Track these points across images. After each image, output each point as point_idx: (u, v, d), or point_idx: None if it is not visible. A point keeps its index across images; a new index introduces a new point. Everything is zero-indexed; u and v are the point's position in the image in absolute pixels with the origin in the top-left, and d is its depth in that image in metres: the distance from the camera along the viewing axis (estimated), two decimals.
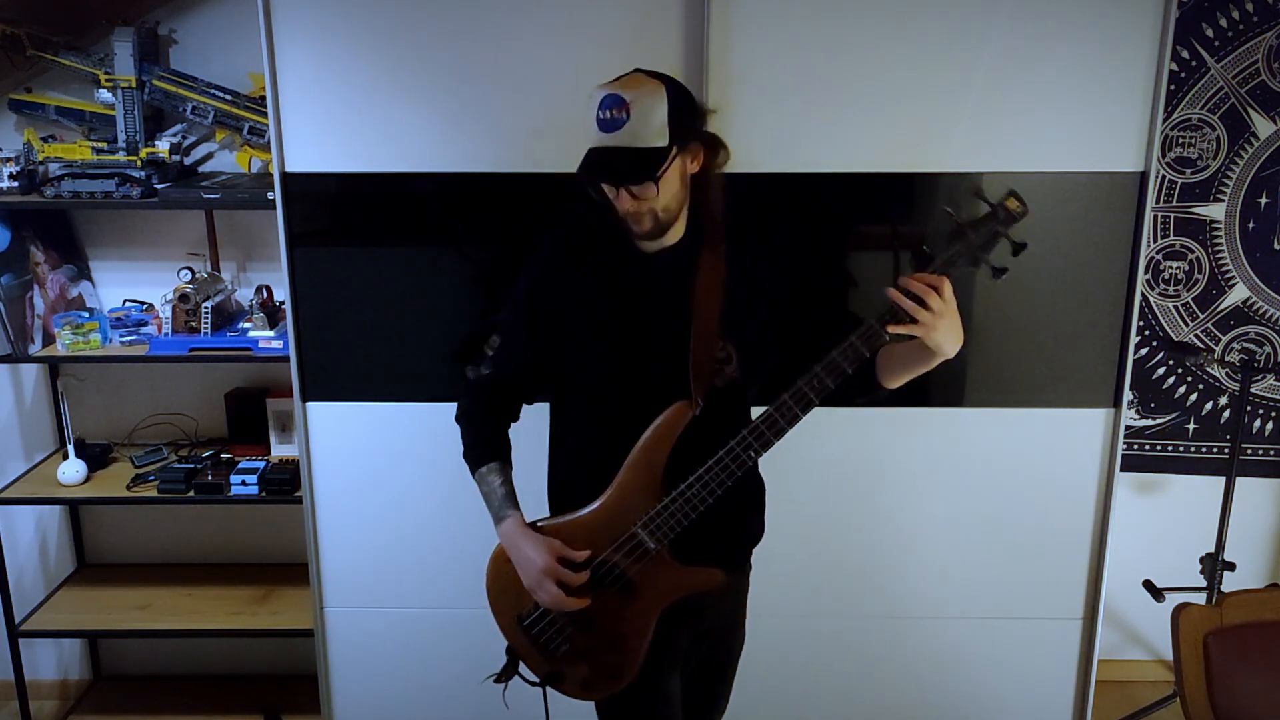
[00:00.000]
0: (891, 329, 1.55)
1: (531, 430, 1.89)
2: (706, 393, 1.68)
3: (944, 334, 1.54)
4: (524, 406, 1.88)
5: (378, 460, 2.47)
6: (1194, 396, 2.86)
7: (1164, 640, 3.06)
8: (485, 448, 1.81)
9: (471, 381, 1.86)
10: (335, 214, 2.35)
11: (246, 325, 2.61)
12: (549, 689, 1.84)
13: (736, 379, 1.73)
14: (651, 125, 1.57)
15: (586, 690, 1.82)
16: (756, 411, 1.68)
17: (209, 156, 2.75)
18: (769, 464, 1.94)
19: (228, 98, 2.56)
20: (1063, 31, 2.20)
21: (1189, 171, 2.70)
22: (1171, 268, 2.77)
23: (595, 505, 1.72)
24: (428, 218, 2.34)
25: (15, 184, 2.52)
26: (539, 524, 1.78)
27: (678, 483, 1.66)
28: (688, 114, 1.64)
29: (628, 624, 1.75)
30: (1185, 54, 2.61)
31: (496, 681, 1.88)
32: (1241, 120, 2.65)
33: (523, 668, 1.87)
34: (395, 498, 2.49)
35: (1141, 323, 2.78)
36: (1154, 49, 2.21)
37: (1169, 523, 2.97)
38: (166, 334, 2.60)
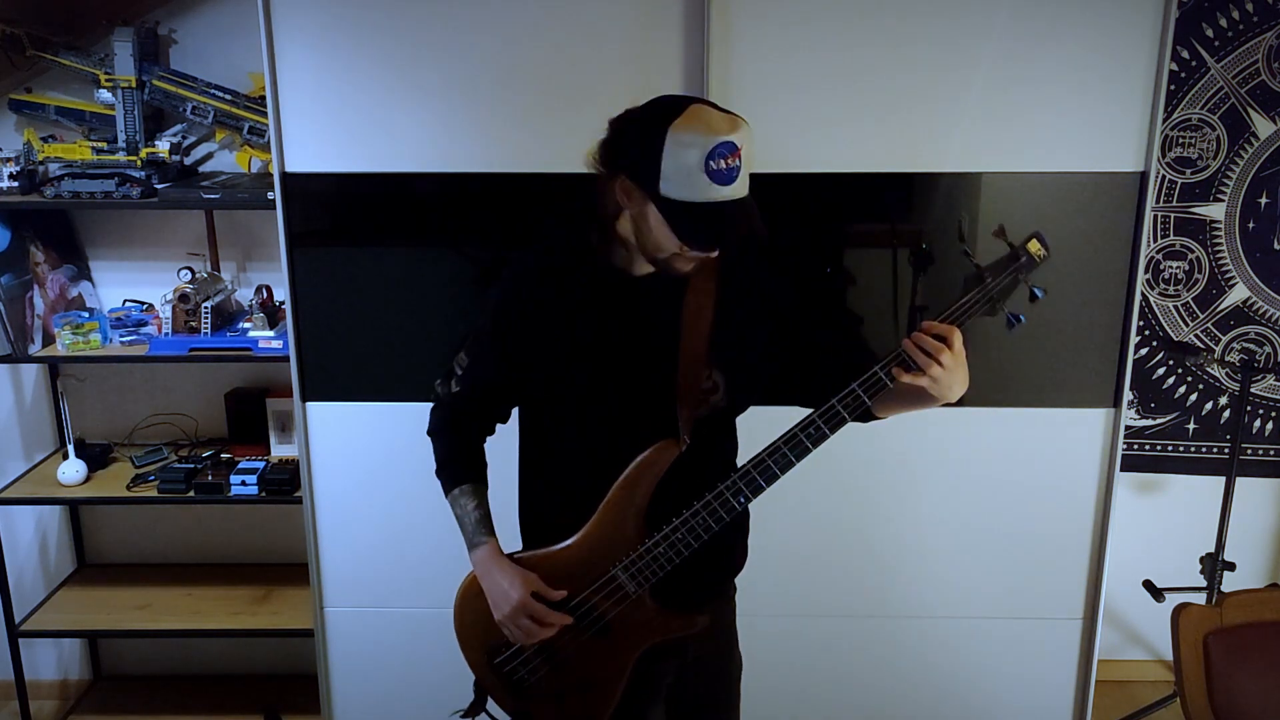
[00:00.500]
0: (902, 377, 1.46)
1: (506, 452, 1.76)
2: (693, 427, 1.56)
3: (952, 384, 1.46)
4: (499, 426, 1.77)
5: (378, 460, 2.47)
6: (1194, 396, 2.86)
7: (1164, 640, 3.07)
8: (458, 466, 1.69)
9: (440, 397, 1.72)
10: (335, 214, 2.35)
11: (246, 325, 2.61)
12: None
13: (722, 409, 1.62)
14: (748, 168, 1.40)
15: None
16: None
17: (209, 156, 2.75)
18: None
19: (228, 98, 2.56)
20: (1063, 32, 2.20)
21: (1189, 171, 2.70)
22: (1171, 268, 2.77)
23: (572, 541, 1.61)
24: (428, 218, 2.34)
25: (15, 184, 2.52)
26: (514, 556, 1.67)
27: (660, 521, 1.56)
28: None
29: (604, 667, 1.65)
30: (1185, 54, 2.61)
31: (464, 717, 1.78)
32: (1241, 120, 2.65)
33: (492, 705, 1.77)
34: (395, 498, 2.49)
35: (1141, 323, 2.78)
36: (1154, 49, 2.21)
37: (1169, 523, 2.97)
38: (166, 334, 2.60)
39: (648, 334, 1.57)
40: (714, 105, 1.43)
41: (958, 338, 1.44)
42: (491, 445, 1.75)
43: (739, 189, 1.40)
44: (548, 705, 1.70)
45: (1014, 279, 1.48)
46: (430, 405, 1.76)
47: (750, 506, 1.72)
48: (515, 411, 1.72)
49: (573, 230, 1.60)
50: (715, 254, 1.49)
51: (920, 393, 1.48)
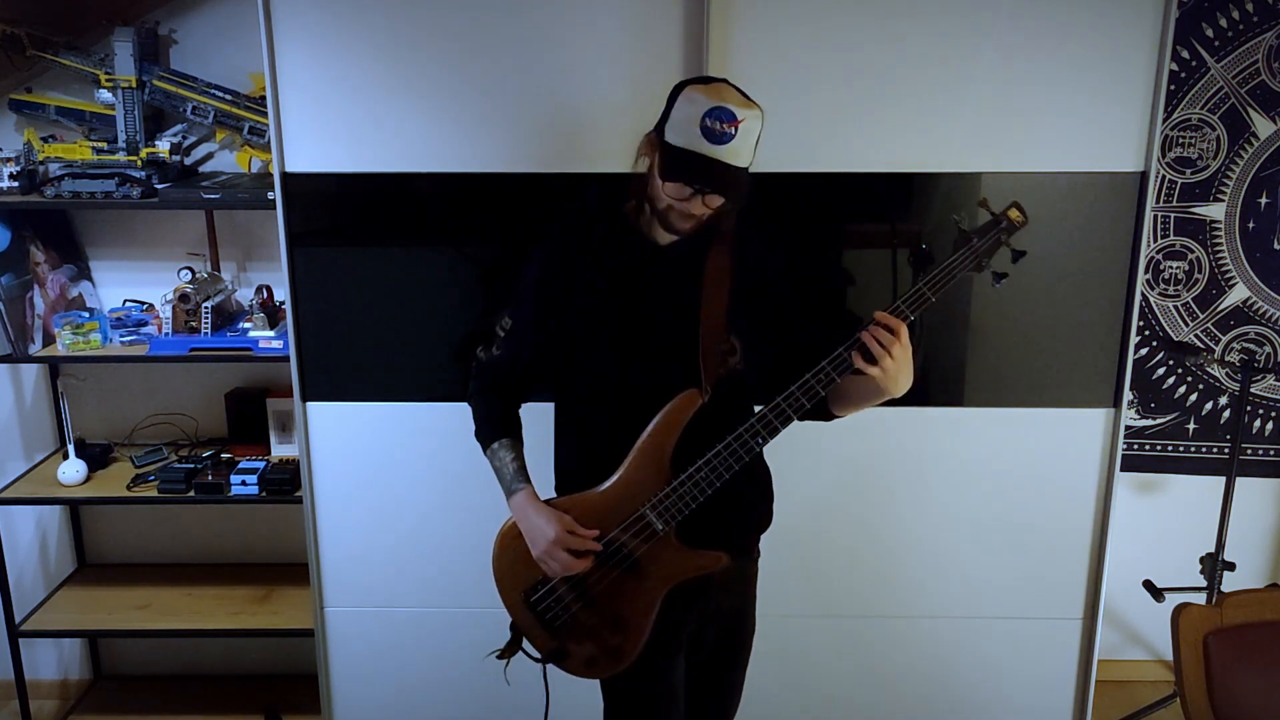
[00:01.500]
0: (857, 362, 1.63)
1: (541, 421, 1.91)
2: (715, 382, 1.72)
3: (898, 376, 1.63)
4: (532, 400, 1.91)
5: (378, 460, 2.47)
6: (1194, 396, 2.86)
7: (1164, 640, 3.07)
8: (496, 425, 1.84)
9: (483, 362, 1.87)
10: (335, 214, 2.35)
11: (246, 325, 2.61)
12: (550, 667, 1.87)
13: (740, 371, 1.76)
14: (747, 146, 1.59)
15: (589, 668, 1.85)
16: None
17: (209, 156, 2.75)
18: (770, 463, 1.95)
19: (228, 98, 2.56)
20: (1063, 31, 2.20)
21: (1189, 171, 2.70)
22: (1171, 268, 2.77)
23: (605, 486, 1.76)
24: (428, 218, 2.34)
25: (15, 184, 2.52)
26: (549, 502, 1.82)
27: (686, 467, 1.70)
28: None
29: (632, 604, 1.78)
30: (1185, 54, 2.61)
31: (500, 657, 1.89)
32: (1241, 120, 2.65)
33: (526, 644, 1.89)
34: (395, 498, 2.49)
35: (1141, 323, 2.78)
36: (1154, 49, 2.21)
37: (1169, 523, 2.97)
38: (166, 334, 2.60)
39: (672, 297, 1.73)
40: (739, 90, 1.61)
41: (904, 332, 1.61)
42: (525, 410, 1.90)
43: (727, 154, 1.56)
44: (580, 641, 1.82)
45: (996, 240, 1.67)
46: (472, 369, 1.89)
47: (764, 483, 1.91)
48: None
49: (609, 202, 1.77)
50: (698, 211, 1.62)
51: (872, 385, 1.64)
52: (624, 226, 1.75)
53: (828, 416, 1.81)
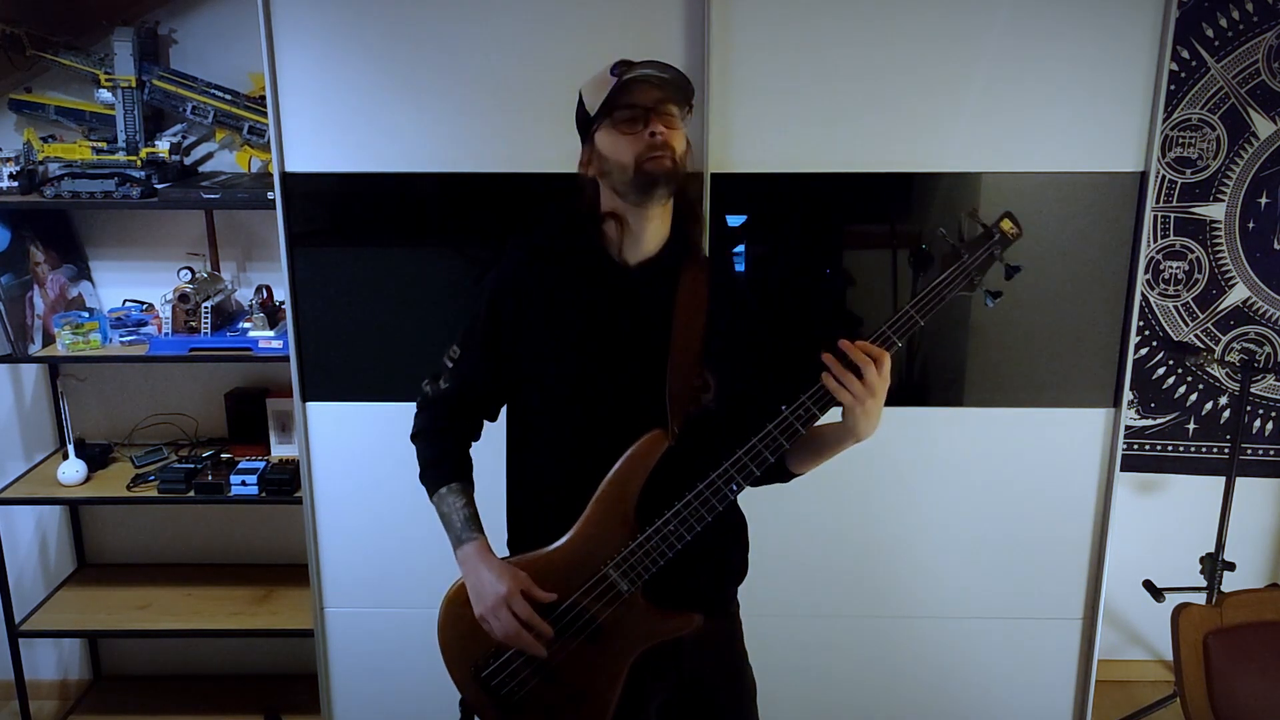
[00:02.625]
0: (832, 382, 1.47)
1: (491, 459, 1.75)
2: (683, 422, 1.56)
3: (872, 411, 1.49)
4: (485, 425, 1.74)
5: (378, 460, 2.47)
6: (1194, 396, 2.86)
7: (1164, 640, 3.07)
8: (443, 468, 1.66)
9: (428, 395, 1.70)
10: (335, 214, 2.35)
11: (246, 325, 2.61)
12: None
13: (712, 409, 1.59)
14: (674, 68, 1.53)
15: None
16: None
17: (209, 156, 2.75)
18: None
19: (228, 98, 2.56)
20: (1063, 31, 2.20)
21: (1189, 171, 2.70)
22: (1171, 268, 2.77)
23: (562, 541, 1.58)
24: (428, 218, 2.34)
25: (15, 184, 2.52)
26: (504, 560, 1.64)
27: (652, 519, 1.53)
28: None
29: (596, 675, 1.60)
30: (1185, 54, 2.61)
31: None
32: (1241, 120, 2.65)
33: None
34: (395, 498, 2.49)
35: (1141, 323, 2.78)
36: (1154, 49, 2.21)
37: (1169, 523, 2.97)
38: (166, 334, 2.60)
39: (639, 324, 1.58)
40: None
41: (886, 361, 1.46)
42: (476, 450, 1.72)
43: (655, 68, 1.50)
44: (538, 719, 1.64)
45: (989, 255, 1.52)
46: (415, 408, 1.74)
47: (750, 509, 1.74)
48: (503, 412, 1.71)
49: (570, 220, 1.63)
50: (666, 132, 1.52)
51: (831, 428, 1.53)
52: (590, 245, 1.61)
53: (786, 476, 1.66)
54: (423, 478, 1.69)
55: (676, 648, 1.62)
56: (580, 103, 1.59)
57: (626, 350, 1.58)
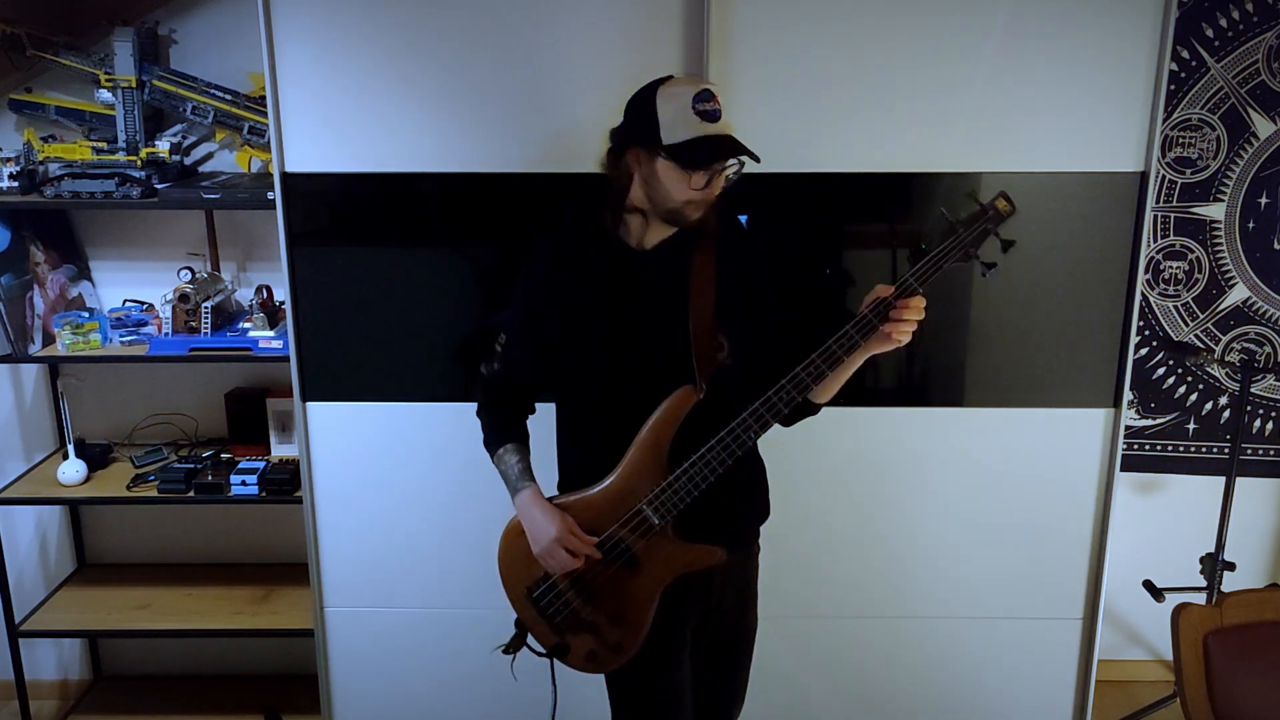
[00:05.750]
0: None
1: (543, 428, 1.94)
2: (708, 378, 1.76)
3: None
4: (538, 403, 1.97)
5: (378, 460, 2.47)
6: (1194, 396, 2.86)
7: (1164, 640, 3.07)
8: (501, 433, 1.91)
9: (484, 377, 1.95)
10: (335, 214, 2.35)
11: (246, 325, 2.61)
12: (555, 661, 1.90)
13: (729, 366, 1.80)
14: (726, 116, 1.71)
15: (590, 663, 1.89)
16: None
17: (209, 156, 2.75)
18: (770, 464, 1.95)
19: (228, 98, 2.56)
20: (1063, 31, 2.20)
21: (1189, 171, 2.70)
22: (1171, 268, 2.77)
23: (604, 484, 1.81)
24: (428, 218, 2.34)
25: (15, 184, 2.52)
26: (552, 500, 1.87)
27: (681, 463, 1.74)
28: None
29: (631, 598, 1.82)
30: (1185, 54, 2.61)
31: (505, 652, 1.92)
32: (1241, 120, 2.65)
33: (531, 639, 1.93)
34: (395, 498, 2.49)
35: (1141, 323, 2.78)
36: (1154, 49, 2.21)
37: (1169, 523, 2.97)
38: (166, 334, 2.60)
39: (659, 298, 1.78)
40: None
41: (920, 301, 1.68)
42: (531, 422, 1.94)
43: (725, 126, 1.69)
44: (582, 636, 1.87)
45: (984, 230, 1.66)
46: (477, 385, 1.98)
47: (759, 476, 1.94)
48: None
49: (587, 214, 1.82)
50: (717, 191, 1.72)
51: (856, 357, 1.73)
52: (607, 237, 1.80)
53: (813, 410, 1.85)
54: (486, 444, 1.92)
55: (706, 580, 1.85)
56: (648, 103, 1.69)
57: (651, 321, 1.78)
